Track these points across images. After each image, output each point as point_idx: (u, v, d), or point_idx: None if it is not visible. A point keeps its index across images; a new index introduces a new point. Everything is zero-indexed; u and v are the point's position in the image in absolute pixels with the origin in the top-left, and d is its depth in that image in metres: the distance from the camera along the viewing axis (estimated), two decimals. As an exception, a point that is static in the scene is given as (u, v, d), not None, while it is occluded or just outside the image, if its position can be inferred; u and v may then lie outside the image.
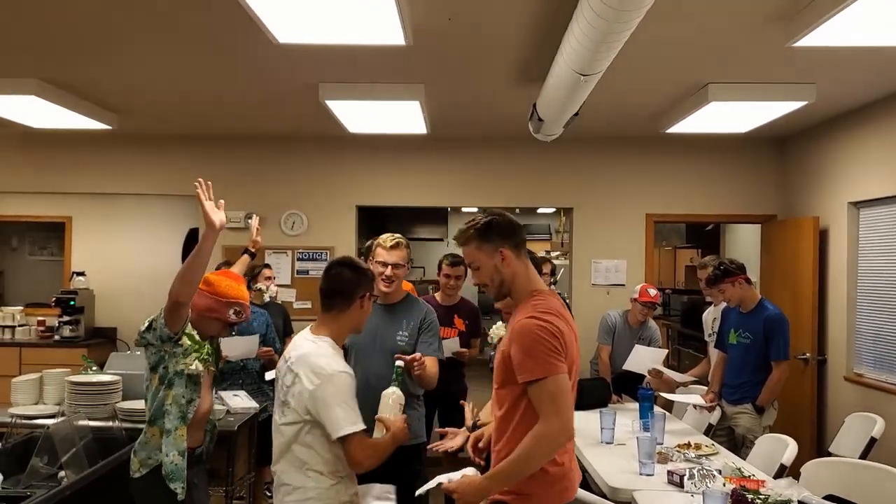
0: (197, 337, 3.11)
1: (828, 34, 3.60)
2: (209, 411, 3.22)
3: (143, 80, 5.06)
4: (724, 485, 3.44)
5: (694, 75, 4.74)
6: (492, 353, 3.68)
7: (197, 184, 2.91)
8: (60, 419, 3.85)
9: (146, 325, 3.07)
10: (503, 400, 2.48)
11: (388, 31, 3.52)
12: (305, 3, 3.20)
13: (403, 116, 5.51)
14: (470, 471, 2.54)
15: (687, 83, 4.92)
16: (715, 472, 3.55)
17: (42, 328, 7.71)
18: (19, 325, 7.70)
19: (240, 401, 4.49)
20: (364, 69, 4.61)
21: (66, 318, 7.46)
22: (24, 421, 3.99)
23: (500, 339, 3.62)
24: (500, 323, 3.68)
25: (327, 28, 3.58)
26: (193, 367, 3.00)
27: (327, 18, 3.41)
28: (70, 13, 3.77)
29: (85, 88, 5.28)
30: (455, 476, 2.49)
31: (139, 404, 4.11)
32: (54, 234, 9.16)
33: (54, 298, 7.54)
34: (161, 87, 5.25)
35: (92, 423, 3.87)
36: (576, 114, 4.35)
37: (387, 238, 3.54)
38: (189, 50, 4.36)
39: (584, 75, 3.35)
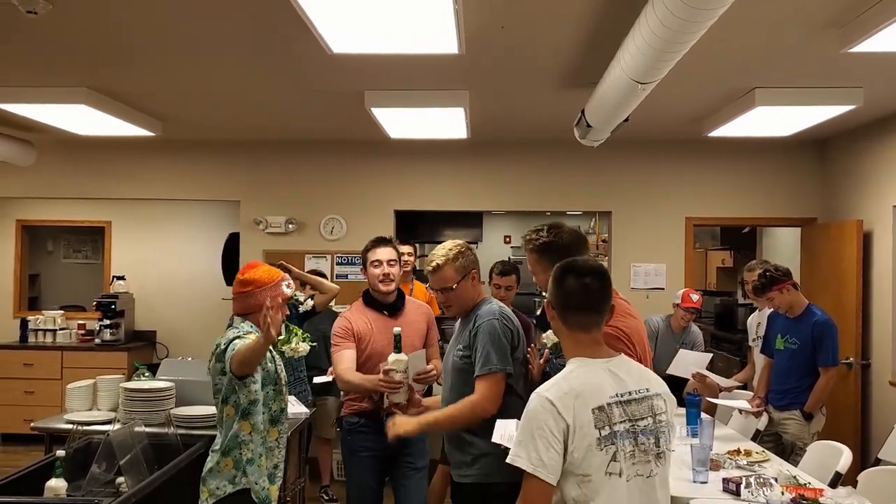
0: (295, 329, 3.24)
1: (885, 40, 3.57)
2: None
3: (192, 89, 5.12)
4: (781, 493, 3.43)
5: (741, 80, 4.72)
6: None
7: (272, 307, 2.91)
8: (119, 426, 3.90)
9: (215, 356, 3.09)
10: None
11: (443, 40, 3.53)
12: (364, 14, 3.22)
13: (446, 122, 5.53)
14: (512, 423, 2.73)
15: (733, 88, 4.90)
16: (772, 480, 3.54)
17: (83, 332, 7.81)
18: (60, 329, 7.82)
19: (291, 406, 4.51)
20: (410, 76, 4.63)
21: (106, 322, 7.56)
22: (83, 428, 4.04)
23: (554, 344, 3.63)
24: (550, 331, 3.68)
25: (382, 38, 3.59)
26: (301, 349, 3.11)
27: (384, 29, 3.42)
28: (122, 23, 3.81)
29: (133, 97, 5.35)
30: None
31: (193, 410, 4.18)
32: (89, 237, 9.30)
33: (95, 302, 7.64)
34: (208, 96, 5.32)
35: (147, 430, 3.92)
36: (626, 119, 4.35)
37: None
38: (240, 60, 4.40)
39: (641, 83, 3.34)
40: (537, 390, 2.19)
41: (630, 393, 2.19)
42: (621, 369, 2.24)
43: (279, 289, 3.21)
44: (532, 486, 2.09)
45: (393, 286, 3.78)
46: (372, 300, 3.84)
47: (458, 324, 3.27)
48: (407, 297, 3.98)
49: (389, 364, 3.35)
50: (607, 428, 2.11)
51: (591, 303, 2.25)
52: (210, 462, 3.15)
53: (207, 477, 3.12)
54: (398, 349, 3.39)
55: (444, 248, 3.16)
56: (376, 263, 3.76)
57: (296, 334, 3.30)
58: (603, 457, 2.10)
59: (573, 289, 2.24)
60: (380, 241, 3.84)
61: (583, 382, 2.16)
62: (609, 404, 2.14)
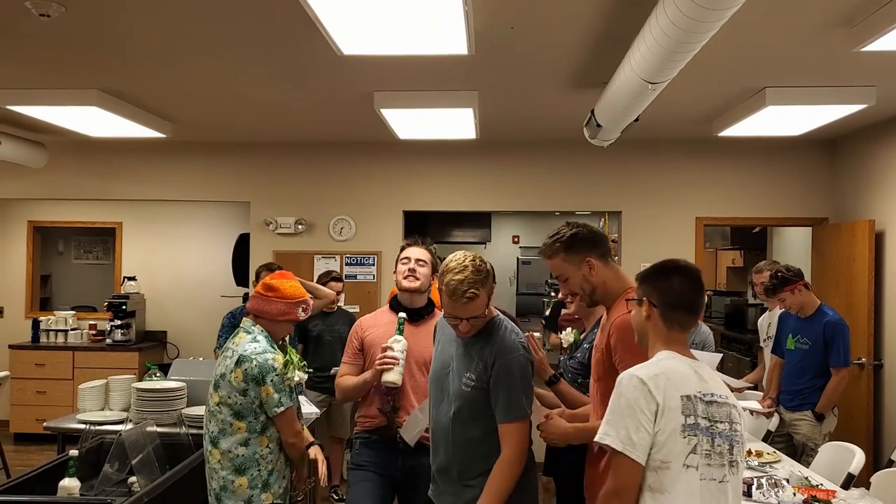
0: (293, 353, 3.23)
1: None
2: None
3: (202, 90, 5.13)
4: (793, 494, 3.42)
5: (751, 79, 4.70)
6: (561, 357, 3.68)
7: None
8: (130, 426, 3.92)
9: (245, 374, 3.03)
10: (604, 393, 2.48)
11: (453, 41, 3.53)
12: (374, 16, 3.22)
13: (454, 123, 5.52)
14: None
15: (744, 87, 4.88)
16: (783, 481, 3.53)
17: (94, 332, 7.86)
18: (71, 329, 7.87)
19: (302, 406, 4.52)
20: (419, 77, 4.63)
21: (118, 322, 7.60)
22: (96, 427, 4.07)
23: (570, 344, 3.64)
24: (568, 329, 3.68)
25: (391, 39, 3.59)
26: (297, 378, 3.10)
27: (393, 30, 3.42)
28: (132, 26, 3.83)
29: (143, 99, 5.37)
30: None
31: (204, 410, 4.19)
32: (100, 238, 9.34)
33: (106, 303, 7.69)
34: (218, 97, 5.33)
35: (159, 429, 3.94)
36: (636, 119, 4.34)
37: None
38: (249, 61, 4.41)
39: (652, 83, 3.34)
40: (628, 370, 2.21)
41: (712, 394, 2.21)
42: (705, 372, 2.27)
43: (294, 309, 3.22)
44: (622, 466, 2.13)
45: (417, 284, 3.47)
46: (399, 305, 3.57)
47: (456, 340, 2.92)
48: (437, 311, 3.56)
49: (388, 342, 3.30)
50: (692, 417, 2.14)
51: (697, 304, 2.31)
52: (219, 479, 3.07)
53: (223, 496, 3.06)
54: (400, 332, 3.34)
55: (468, 271, 2.71)
56: (405, 260, 3.55)
57: (291, 362, 3.25)
58: (685, 445, 2.13)
59: (684, 289, 2.28)
60: (413, 241, 3.67)
61: (672, 369, 2.20)
62: (695, 396, 2.17)
